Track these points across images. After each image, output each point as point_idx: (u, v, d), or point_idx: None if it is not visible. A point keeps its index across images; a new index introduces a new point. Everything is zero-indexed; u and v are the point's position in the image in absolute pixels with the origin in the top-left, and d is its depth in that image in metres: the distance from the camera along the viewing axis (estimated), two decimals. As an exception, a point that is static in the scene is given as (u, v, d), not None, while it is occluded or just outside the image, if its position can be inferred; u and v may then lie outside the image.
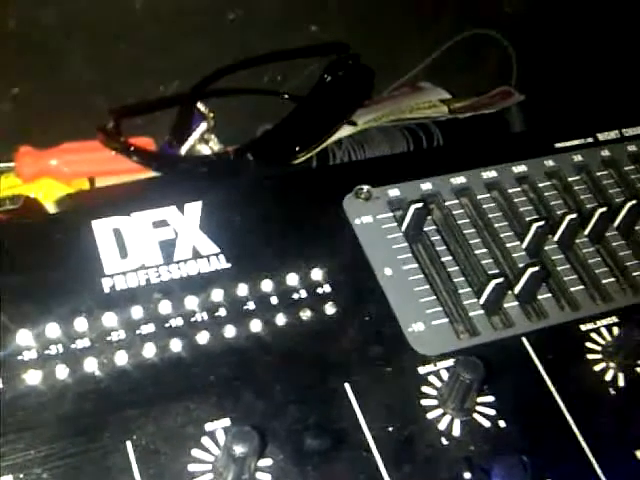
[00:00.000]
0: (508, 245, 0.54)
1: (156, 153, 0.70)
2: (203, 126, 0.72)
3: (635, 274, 0.54)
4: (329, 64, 0.75)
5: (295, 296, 0.50)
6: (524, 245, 0.54)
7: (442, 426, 0.46)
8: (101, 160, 0.68)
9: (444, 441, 0.46)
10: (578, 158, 0.60)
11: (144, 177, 0.68)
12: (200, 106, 0.73)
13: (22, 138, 0.67)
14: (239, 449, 0.41)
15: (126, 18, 0.68)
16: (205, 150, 0.72)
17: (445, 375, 0.48)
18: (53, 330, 0.46)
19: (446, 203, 0.56)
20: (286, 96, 0.76)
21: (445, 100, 0.78)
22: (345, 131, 0.72)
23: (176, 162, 0.69)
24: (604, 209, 0.54)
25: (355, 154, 0.72)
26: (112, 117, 0.67)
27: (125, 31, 0.69)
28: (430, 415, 0.47)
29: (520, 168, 0.58)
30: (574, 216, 0.54)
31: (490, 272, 0.52)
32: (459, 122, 0.76)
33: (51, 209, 0.64)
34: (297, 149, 0.69)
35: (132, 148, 0.67)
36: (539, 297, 0.52)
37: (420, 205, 0.53)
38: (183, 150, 0.72)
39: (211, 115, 0.72)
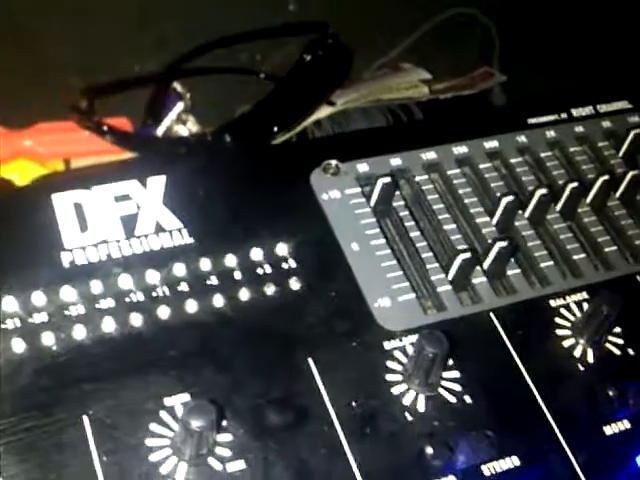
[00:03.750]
0: (478, 221, 0.53)
1: (131, 133, 0.69)
2: (180, 106, 0.71)
3: (606, 250, 0.54)
4: (309, 43, 0.74)
5: (259, 271, 0.49)
6: (494, 221, 0.53)
7: (407, 401, 0.46)
8: (76, 140, 0.67)
9: (408, 416, 0.45)
10: (551, 134, 0.59)
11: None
12: (176, 86, 0.72)
13: (-5, 118, 0.67)
14: (196, 423, 0.40)
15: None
16: (182, 131, 0.72)
17: (411, 350, 0.47)
18: (10, 304, 0.45)
19: (416, 178, 0.55)
20: (263, 76, 0.75)
21: (426, 80, 0.77)
22: (324, 111, 0.71)
23: (151, 142, 0.69)
24: (575, 184, 0.53)
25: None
26: (86, 96, 0.67)
27: (100, 8, 0.68)
28: (395, 390, 0.46)
29: (492, 144, 0.57)
30: (545, 191, 0.53)
31: (458, 247, 0.52)
32: (440, 103, 0.75)
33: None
34: (276, 129, 0.68)
35: (106, 128, 0.66)
36: (508, 273, 0.52)
37: (388, 180, 0.52)
38: (160, 131, 0.71)
39: (188, 95, 0.72)
